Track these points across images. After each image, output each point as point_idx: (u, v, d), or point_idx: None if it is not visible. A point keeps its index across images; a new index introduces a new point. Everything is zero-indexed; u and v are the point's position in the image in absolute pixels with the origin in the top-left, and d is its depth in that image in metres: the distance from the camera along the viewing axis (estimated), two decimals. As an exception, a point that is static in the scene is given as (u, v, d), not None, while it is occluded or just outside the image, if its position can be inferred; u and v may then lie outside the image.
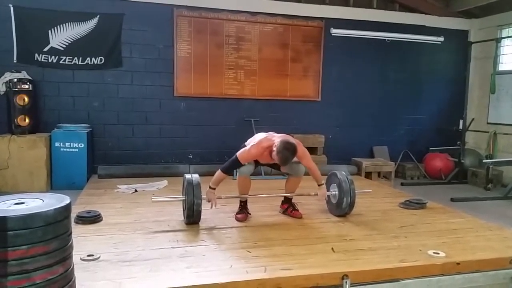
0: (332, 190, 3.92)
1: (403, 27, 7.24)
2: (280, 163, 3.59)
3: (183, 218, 3.63)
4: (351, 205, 3.79)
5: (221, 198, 3.70)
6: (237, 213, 3.79)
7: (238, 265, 2.67)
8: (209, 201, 3.61)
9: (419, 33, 7.31)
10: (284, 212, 3.96)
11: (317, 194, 3.87)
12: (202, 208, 3.45)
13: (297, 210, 3.91)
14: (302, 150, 3.71)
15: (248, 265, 2.66)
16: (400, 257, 2.85)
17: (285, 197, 3.99)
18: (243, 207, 3.83)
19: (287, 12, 6.74)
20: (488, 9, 7.17)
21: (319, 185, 3.84)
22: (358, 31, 7.03)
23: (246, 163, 3.65)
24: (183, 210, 3.64)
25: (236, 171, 3.73)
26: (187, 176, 3.61)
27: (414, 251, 2.97)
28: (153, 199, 3.65)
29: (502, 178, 6.83)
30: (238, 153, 3.61)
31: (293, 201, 3.98)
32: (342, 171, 4.00)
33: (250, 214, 3.83)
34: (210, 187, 3.62)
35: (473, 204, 5.38)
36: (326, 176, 4.08)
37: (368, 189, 4.49)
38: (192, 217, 3.45)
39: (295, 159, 3.76)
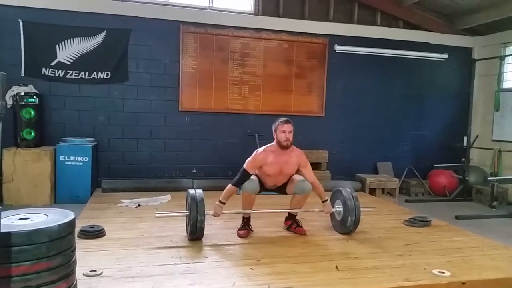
0: (336, 206, 3.90)
1: (407, 44, 7.29)
2: (286, 128, 3.64)
3: (186, 234, 3.62)
4: (356, 223, 3.76)
5: (224, 213, 3.69)
6: (239, 229, 3.78)
7: (241, 282, 2.66)
8: (214, 216, 3.61)
9: (423, 50, 7.35)
10: (288, 228, 3.94)
11: (323, 211, 3.85)
12: (205, 225, 3.44)
13: (301, 226, 3.89)
14: (305, 159, 3.81)
15: (251, 283, 2.64)
16: (404, 276, 2.82)
17: (289, 213, 3.98)
18: (245, 223, 3.81)
19: (292, 29, 6.81)
20: (491, 27, 7.22)
21: (323, 201, 3.82)
22: (362, 47, 7.08)
23: (252, 174, 3.66)
24: (186, 226, 3.62)
25: (240, 188, 3.73)
26: (191, 191, 3.58)
27: (419, 270, 2.94)
28: (156, 215, 3.64)
29: (508, 196, 6.77)
30: (244, 164, 3.67)
31: (297, 217, 3.96)
32: (347, 188, 3.96)
33: (252, 230, 3.81)
34: (220, 201, 3.62)
35: (478, 222, 5.32)
36: (331, 193, 4.07)
37: (373, 207, 4.45)
38: (195, 234, 3.44)
39: (300, 177, 3.76)
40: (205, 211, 3.43)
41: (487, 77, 7.43)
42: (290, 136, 3.67)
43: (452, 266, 3.02)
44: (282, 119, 3.75)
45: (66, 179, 5.58)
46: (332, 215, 3.98)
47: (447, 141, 7.56)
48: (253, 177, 3.71)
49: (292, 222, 3.93)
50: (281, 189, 3.90)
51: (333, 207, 3.92)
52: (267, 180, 3.80)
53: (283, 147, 3.66)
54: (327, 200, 3.85)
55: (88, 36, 6.00)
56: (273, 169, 3.72)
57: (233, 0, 6.76)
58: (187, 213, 3.53)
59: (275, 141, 3.72)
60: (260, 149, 3.75)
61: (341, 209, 3.83)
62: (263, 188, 3.84)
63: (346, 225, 3.77)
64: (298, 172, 3.84)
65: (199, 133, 6.58)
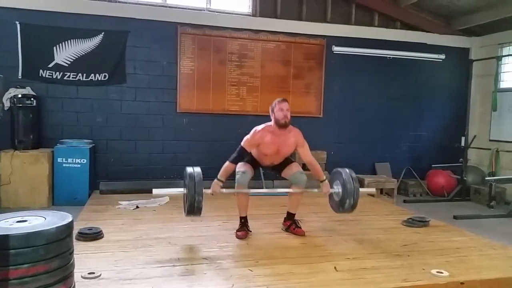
0: (335, 187, 3.81)
1: (405, 45, 7.30)
2: (284, 107, 3.64)
3: (184, 235, 3.62)
4: (354, 205, 3.70)
5: (223, 192, 3.59)
6: (237, 230, 3.76)
7: (240, 284, 2.65)
8: (212, 194, 3.53)
9: (421, 51, 7.36)
10: (287, 229, 3.93)
11: (321, 191, 3.80)
12: (205, 227, 3.42)
13: (300, 227, 3.88)
14: (302, 139, 3.78)
15: (250, 284, 2.64)
16: (403, 276, 2.82)
17: (288, 213, 3.97)
18: (243, 224, 3.80)
19: (290, 30, 6.82)
20: (488, 28, 7.24)
21: (321, 181, 3.79)
22: (360, 48, 7.09)
23: (249, 152, 3.68)
24: (184, 203, 3.52)
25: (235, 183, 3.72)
26: (189, 169, 3.44)
27: (417, 270, 2.94)
28: (154, 191, 3.53)
29: (505, 196, 6.78)
30: (242, 142, 3.67)
31: (296, 218, 3.95)
32: (346, 169, 3.82)
33: (250, 231, 3.80)
34: (217, 179, 3.58)
35: (476, 222, 5.33)
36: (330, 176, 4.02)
37: (371, 208, 4.44)
38: (193, 213, 3.35)
39: (299, 168, 3.79)
40: (203, 191, 3.32)
41: (485, 77, 7.45)
42: (288, 114, 3.64)
43: (451, 266, 3.02)
44: (279, 99, 3.73)
45: (64, 181, 5.57)
46: (330, 195, 3.90)
47: (445, 141, 7.57)
48: (245, 169, 3.69)
49: (290, 223, 3.92)
50: (277, 169, 3.89)
51: (331, 187, 3.83)
52: (264, 159, 3.79)
53: (281, 125, 3.62)
54: (325, 180, 3.80)
55: (85, 38, 6.00)
56: (270, 149, 3.70)
57: (230, 2, 6.77)
58: (185, 192, 3.43)
59: (273, 121, 3.68)
60: (259, 128, 3.73)
61: (340, 190, 3.75)
62: (259, 166, 3.86)
63: (344, 207, 3.71)
64: (295, 151, 3.82)
65: (197, 135, 6.58)
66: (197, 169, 3.44)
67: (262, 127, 3.73)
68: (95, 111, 6.18)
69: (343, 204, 3.71)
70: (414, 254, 3.35)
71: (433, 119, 7.66)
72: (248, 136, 3.71)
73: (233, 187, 3.72)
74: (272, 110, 3.70)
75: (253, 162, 3.84)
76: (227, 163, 3.64)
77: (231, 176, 3.71)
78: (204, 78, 6.53)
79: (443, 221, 4.68)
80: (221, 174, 3.61)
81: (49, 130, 5.99)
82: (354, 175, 3.77)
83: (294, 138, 3.74)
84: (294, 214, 3.95)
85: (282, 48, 6.85)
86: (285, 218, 4.01)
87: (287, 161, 3.89)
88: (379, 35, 7.23)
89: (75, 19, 5.94)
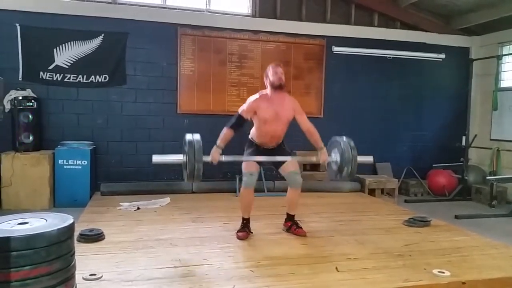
0: (333, 155, 3.81)
1: (405, 45, 7.30)
2: (279, 70, 3.64)
3: (185, 236, 3.61)
4: (352, 174, 3.70)
5: (222, 160, 3.56)
6: (238, 231, 3.76)
7: (242, 285, 2.65)
8: (212, 162, 3.50)
9: (421, 51, 7.36)
10: (288, 230, 3.93)
11: (319, 160, 3.83)
12: (206, 224, 3.42)
13: (301, 227, 3.88)
14: (299, 106, 3.80)
15: (251, 285, 2.64)
16: (404, 276, 2.82)
17: (288, 214, 3.97)
18: (245, 225, 3.80)
19: (289, 30, 6.82)
20: (488, 27, 7.23)
21: (319, 148, 3.79)
22: (360, 48, 7.09)
23: (247, 119, 3.68)
24: (183, 170, 3.48)
25: (239, 186, 3.70)
26: (188, 136, 3.39)
27: (419, 270, 2.94)
28: (154, 158, 3.46)
29: (507, 195, 6.78)
30: (239, 110, 3.67)
31: (296, 218, 3.95)
32: (344, 138, 3.84)
33: (251, 232, 3.80)
34: (216, 146, 3.55)
35: (478, 222, 5.33)
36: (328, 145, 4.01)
37: (372, 208, 4.43)
38: (193, 179, 3.34)
39: (295, 167, 3.79)
40: (203, 158, 3.30)
41: (485, 76, 7.44)
42: (283, 77, 3.66)
43: (452, 266, 3.02)
44: (272, 64, 3.74)
45: (65, 183, 5.58)
46: (328, 163, 3.89)
47: (446, 141, 7.56)
48: (252, 171, 3.67)
49: (291, 224, 3.92)
50: (276, 158, 3.83)
51: (329, 155, 3.82)
52: (267, 129, 3.70)
53: (276, 87, 3.62)
54: (323, 148, 3.80)
55: (85, 40, 6.00)
56: (269, 112, 3.64)
57: (230, 2, 6.77)
58: (185, 160, 3.38)
59: (268, 87, 3.69)
60: (254, 97, 3.72)
61: (338, 159, 3.75)
62: (263, 149, 3.81)
63: (341, 175, 3.72)
64: (295, 118, 3.78)
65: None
66: (197, 136, 3.39)
67: (257, 95, 3.73)
68: (96, 113, 6.19)
69: (341, 172, 3.71)
70: (415, 254, 3.35)
71: (434, 119, 7.66)
72: (244, 104, 3.71)
73: (234, 186, 3.72)
74: (267, 76, 3.71)
75: (257, 150, 3.80)
76: (225, 129, 3.62)
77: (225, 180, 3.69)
78: (204, 79, 6.54)
79: (445, 220, 4.68)
80: (221, 140, 3.58)
81: (50, 131, 6.00)
82: (352, 143, 3.75)
83: (291, 102, 3.74)
84: (294, 215, 3.95)
85: (282, 48, 6.85)
86: (286, 219, 4.01)
87: (286, 153, 3.87)
88: (379, 35, 7.23)
89: (75, 21, 5.94)
